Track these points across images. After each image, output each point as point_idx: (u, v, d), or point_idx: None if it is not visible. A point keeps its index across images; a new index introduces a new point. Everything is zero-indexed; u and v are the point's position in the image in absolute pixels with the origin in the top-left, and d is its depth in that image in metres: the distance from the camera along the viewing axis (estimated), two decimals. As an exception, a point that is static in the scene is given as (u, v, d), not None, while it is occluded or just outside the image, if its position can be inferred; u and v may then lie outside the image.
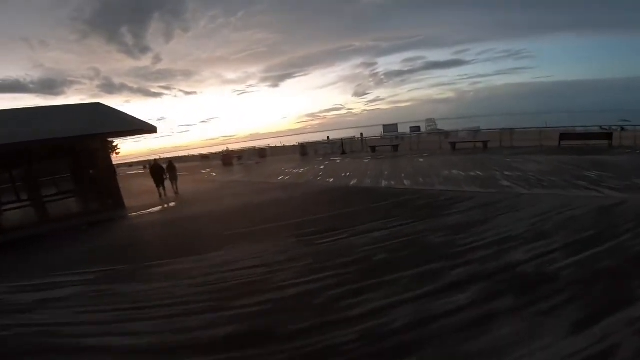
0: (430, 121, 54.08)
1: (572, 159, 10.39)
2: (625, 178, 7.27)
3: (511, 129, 19.29)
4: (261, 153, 27.81)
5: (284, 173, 15.05)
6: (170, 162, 13.82)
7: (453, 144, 16.14)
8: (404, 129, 51.91)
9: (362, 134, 39.79)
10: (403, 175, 10.10)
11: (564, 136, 13.53)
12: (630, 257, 3.60)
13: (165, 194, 12.24)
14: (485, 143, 15.17)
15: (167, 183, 12.62)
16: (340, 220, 6.29)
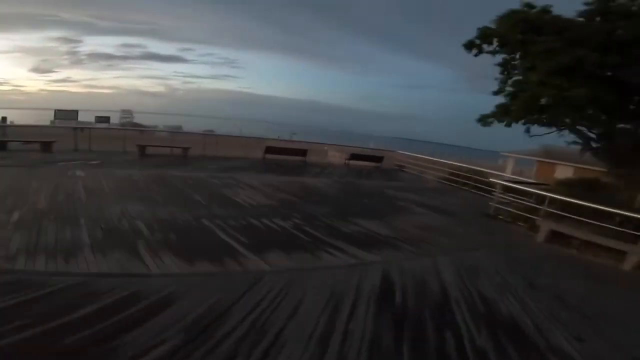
0: (127, 112, 45.06)
1: (286, 181, 9.18)
2: (346, 214, 6.23)
3: (215, 134, 17.67)
4: None
5: None
6: None
7: (142, 147, 11.51)
8: (89, 117, 40.18)
9: (4, 118, 25.50)
10: (16, 218, 4.50)
11: (269, 149, 12.78)
12: None
13: None
14: (185, 150, 11.80)
15: None
16: None
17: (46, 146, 10.84)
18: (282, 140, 18.18)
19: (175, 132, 24.65)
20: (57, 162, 8.90)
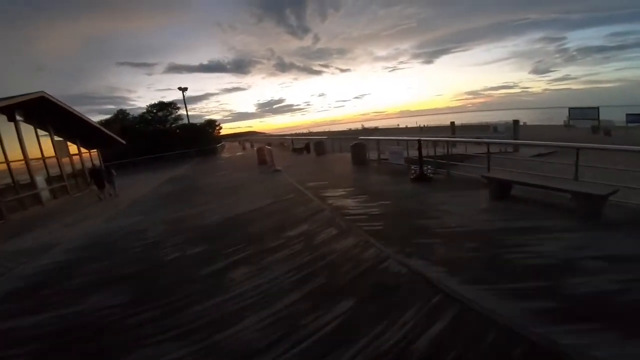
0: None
1: None
2: None
3: None
4: (318, 148, 17.23)
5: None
6: (107, 167, 14.58)
7: None
8: (610, 114, 30.71)
9: (516, 122, 23.18)
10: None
11: None
12: None
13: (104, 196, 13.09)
14: None
15: None
16: None
17: (595, 205, 4.51)
18: None
19: None
20: None
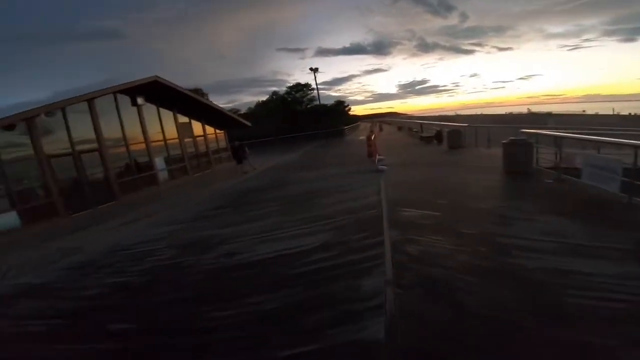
0: None
1: None
2: None
3: None
4: (452, 139, 12.25)
5: None
6: (242, 145, 16.06)
7: None
8: None
9: None
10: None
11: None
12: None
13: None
14: None
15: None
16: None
17: None
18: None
19: None
20: None
